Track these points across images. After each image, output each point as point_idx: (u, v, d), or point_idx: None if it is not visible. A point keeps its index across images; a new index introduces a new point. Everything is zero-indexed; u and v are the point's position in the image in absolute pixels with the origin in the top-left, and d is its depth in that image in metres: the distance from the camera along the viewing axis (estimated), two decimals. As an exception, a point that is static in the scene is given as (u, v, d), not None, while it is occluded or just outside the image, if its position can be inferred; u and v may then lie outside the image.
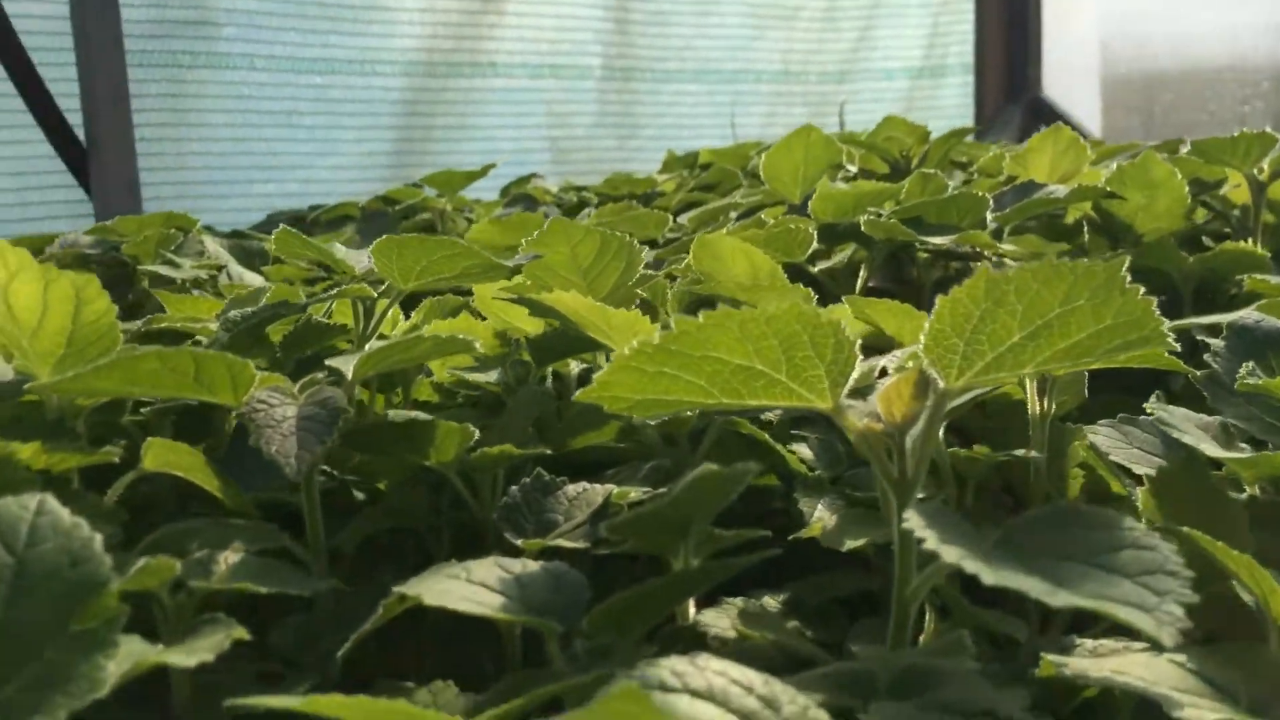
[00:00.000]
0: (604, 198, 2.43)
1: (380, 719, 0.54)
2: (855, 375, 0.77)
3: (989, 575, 0.59)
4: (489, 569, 0.75)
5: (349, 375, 0.89)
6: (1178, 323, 1.29)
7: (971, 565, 0.58)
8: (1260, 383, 0.98)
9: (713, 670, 0.57)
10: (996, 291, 0.74)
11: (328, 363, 0.90)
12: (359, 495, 1.00)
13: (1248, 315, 1.17)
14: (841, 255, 1.63)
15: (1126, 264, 0.74)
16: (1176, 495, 0.86)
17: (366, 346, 1.16)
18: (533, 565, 0.76)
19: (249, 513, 0.87)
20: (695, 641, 0.80)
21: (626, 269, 1.22)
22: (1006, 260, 1.51)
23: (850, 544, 0.84)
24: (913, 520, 0.62)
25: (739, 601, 0.85)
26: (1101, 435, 1.13)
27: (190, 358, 0.81)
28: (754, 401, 0.78)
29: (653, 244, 1.76)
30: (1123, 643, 0.75)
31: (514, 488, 0.88)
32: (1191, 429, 0.93)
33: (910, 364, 0.85)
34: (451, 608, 0.68)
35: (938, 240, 1.43)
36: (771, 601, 0.86)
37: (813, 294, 1.22)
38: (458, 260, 1.08)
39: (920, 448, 0.77)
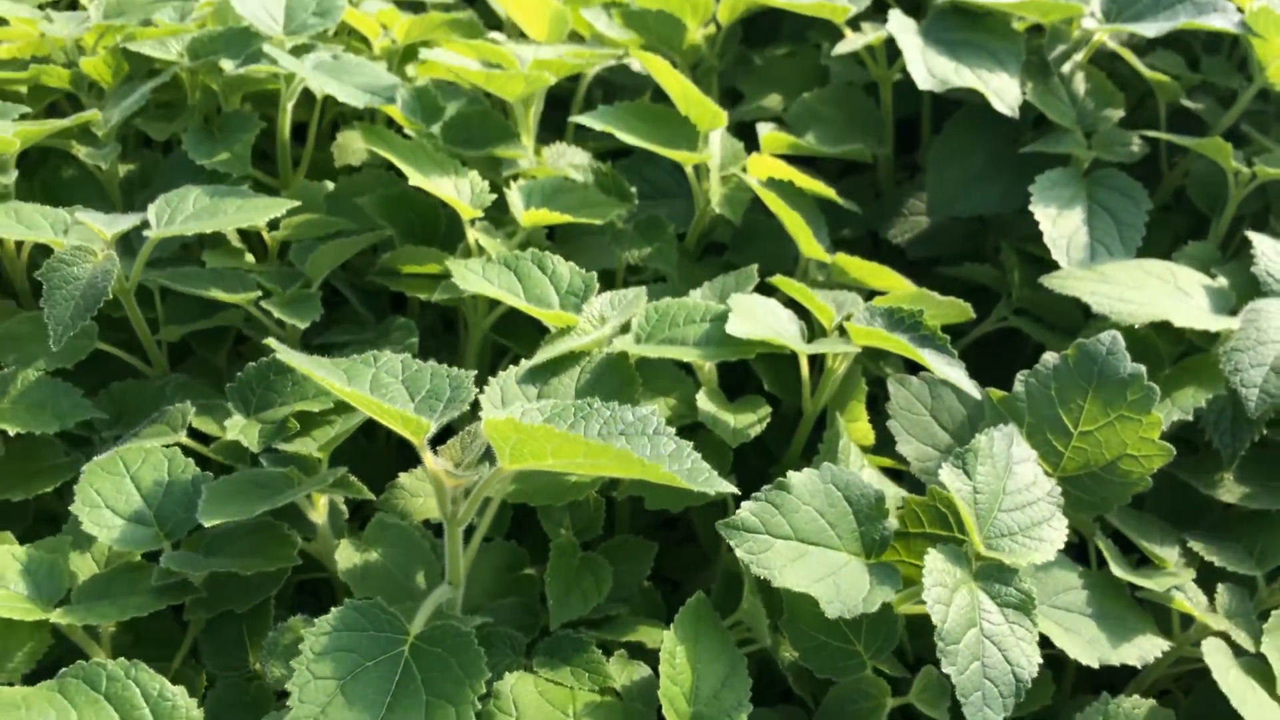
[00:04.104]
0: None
1: None
2: (442, 421, 0.90)
3: None
4: (154, 466, 1.00)
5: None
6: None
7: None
8: (938, 484, 0.98)
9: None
10: (521, 433, 0.83)
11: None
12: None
13: (1104, 339, 1.08)
14: None
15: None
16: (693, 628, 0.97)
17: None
18: (193, 472, 1.00)
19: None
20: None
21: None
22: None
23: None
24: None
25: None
26: (901, 393, 1.15)
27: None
28: (371, 417, 0.93)
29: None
30: None
31: (252, 365, 1.07)
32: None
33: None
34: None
35: None
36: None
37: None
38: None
39: (475, 500, 0.91)
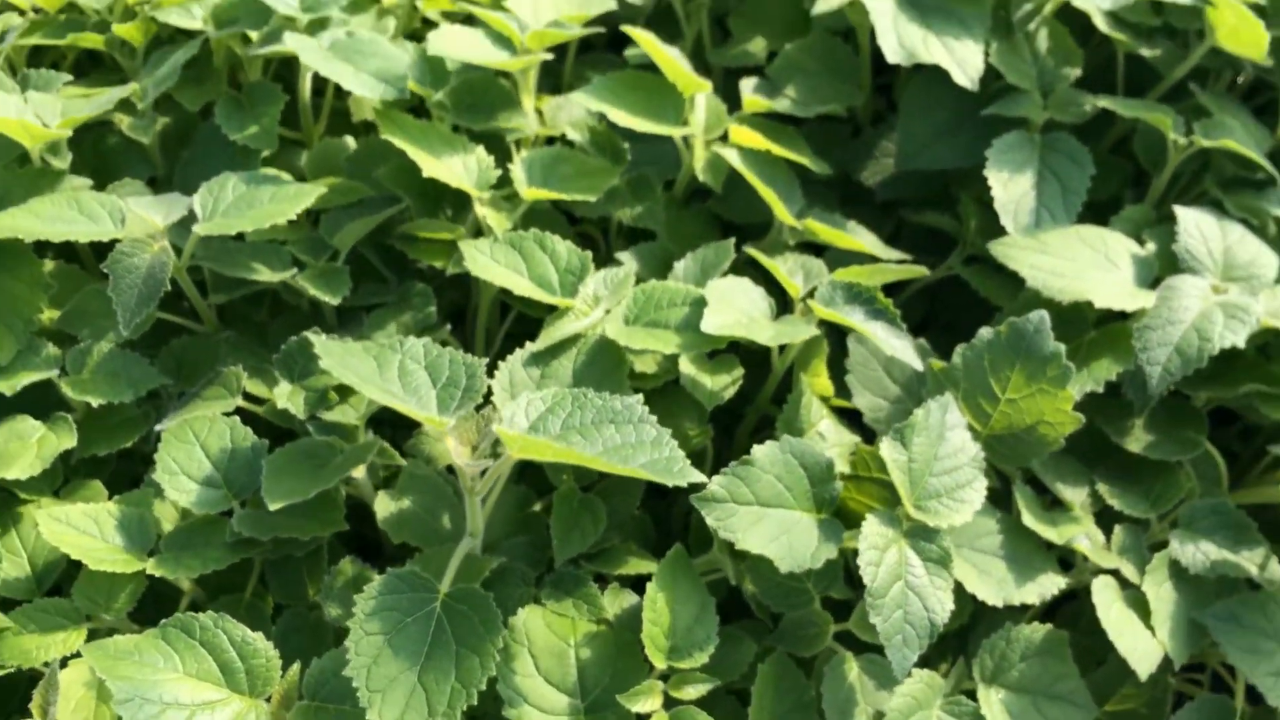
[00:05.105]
0: None
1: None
2: (459, 413, 1.08)
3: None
4: (219, 435, 1.18)
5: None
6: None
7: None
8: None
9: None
10: (527, 441, 1.01)
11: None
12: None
13: (1033, 318, 1.24)
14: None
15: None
16: (671, 577, 1.16)
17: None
18: (251, 440, 1.19)
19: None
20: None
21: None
22: None
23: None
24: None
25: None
26: (858, 350, 1.33)
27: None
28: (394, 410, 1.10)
29: None
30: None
31: (294, 338, 1.24)
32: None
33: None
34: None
35: None
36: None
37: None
38: None
39: (489, 479, 1.10)
